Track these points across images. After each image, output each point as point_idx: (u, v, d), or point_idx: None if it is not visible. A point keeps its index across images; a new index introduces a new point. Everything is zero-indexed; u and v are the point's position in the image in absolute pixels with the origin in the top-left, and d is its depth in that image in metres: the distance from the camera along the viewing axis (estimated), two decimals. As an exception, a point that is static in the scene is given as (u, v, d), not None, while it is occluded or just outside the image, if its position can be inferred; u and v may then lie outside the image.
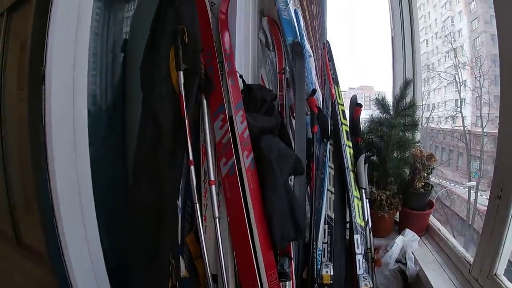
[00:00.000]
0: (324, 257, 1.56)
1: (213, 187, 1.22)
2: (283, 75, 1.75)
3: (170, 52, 1.18)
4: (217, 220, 1.21)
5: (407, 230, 1.72)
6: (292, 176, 1.49)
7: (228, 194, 1.25)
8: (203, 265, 1.23)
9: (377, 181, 1.82)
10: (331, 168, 1.68)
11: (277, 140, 1.39)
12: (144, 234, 1.17)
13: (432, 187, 1.82)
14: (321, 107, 1.76)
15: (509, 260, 1.20)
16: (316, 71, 2.05)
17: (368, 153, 1.72)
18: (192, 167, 1.19)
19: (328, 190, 1.64)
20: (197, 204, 1.20)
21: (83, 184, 1.02)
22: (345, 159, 1.63)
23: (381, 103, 1.92)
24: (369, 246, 1.56)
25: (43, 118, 0.92)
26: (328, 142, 1.70)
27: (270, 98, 1.48)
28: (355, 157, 1.65)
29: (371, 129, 1.91)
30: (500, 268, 1.19)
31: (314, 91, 1.70)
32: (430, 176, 1.83)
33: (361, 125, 1.86)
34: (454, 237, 1.70)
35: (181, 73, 1.16)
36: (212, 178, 1.23)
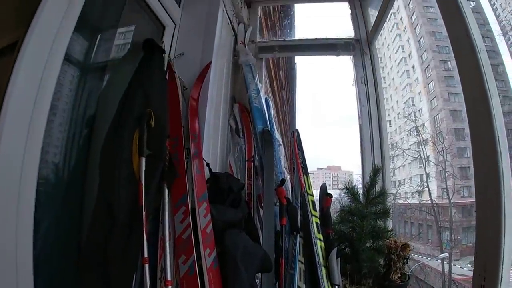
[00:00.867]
0: None
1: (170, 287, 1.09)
2: (252, 163, 1.71)
3: (134, 135, 1.11)
4: (174, 327, 1.06)
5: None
6: (260, 274, 1.38)
7: (187, 296, 1.11)
8: None
9: (350, 274, 1.71)
10: (301, 262, 1.57)
11: (243, 236, 1.31)
12: None
13: (409, 277, 1.72)
14: (290, 198, 1.70)
15: None
16: (285, 159, 2.04)
17: (341, 245, 1.64)
18: (147, 266, 1.05)
19: (298, 287, 1.51)
20: (151, 308, 1.05)
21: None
22: (316, 253, 1.54)
23: (351, 192, 1.89)
24: None
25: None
26: (298, 235, 1.61)
27: (237, 188, 1.43)
28: (327, 251, 1.56)
29: (342, 218, 1.85)
30: None
31: (283, 181, 1.66)
32: (405, 267, 1.75)
33: (331, 215, 1.80)
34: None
35: (143, 159, 1.08)
36: (169, 278, 1.10)
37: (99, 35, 1.28)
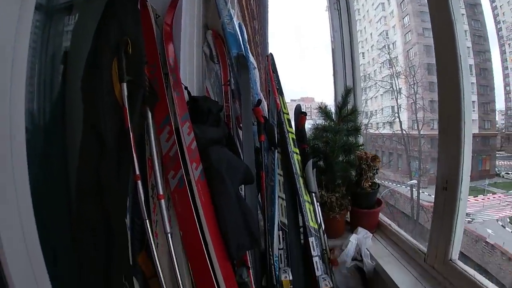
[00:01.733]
0: (281, 263, 1.57)
1: (163, 201, 1.18)
2: (228, 87, 1.76)
3: (113, 64, 1.13)
4: (169, 235, 1.16)
5: (360, 228, 1.79)
6: (243, 186, 1.49)
7: (179, 208, 1.21)
8: (158, 283, 1.17)
9: (325, 184, 1.87)
10: (280, 175, 1.70)
11: (226, 150, 1.39)
12: (93, 258, 1.09)
13: (379, 186, 1.92)
14: (267, 117, 1.79)
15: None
16: (261, 83, 2.09)
17: (315, 158, 1.78)
18: (139, 182, 1.14)
19: (279, 197, 1.66)
20: (147, 221, 1.15)
21: (24, 213, 0.91)
22: (293, 166, 1.67)
23: (324, 111, 2.00)
24: (324, 247, 1.60)
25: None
26: (276, 150, 1.73)
27: (216, 109, 1.48)
28: (303, 163, 1.69)
29: (316, 135, 1.98)
30: (454, 253, 1.27)
31: (259, 101, 1.73)
32: (375, 177, 1.93)
33: (306, 133, 1.92)
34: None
35: (125, 84, 1.12)
36: (161, 193, 1.19)
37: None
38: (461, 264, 1.24)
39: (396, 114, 17.36)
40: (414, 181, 15.27)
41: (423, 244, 1.52)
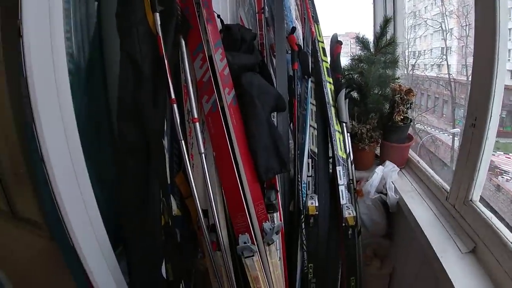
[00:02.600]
0: (309, 189, 1.64)
1: (197, 124, 1.25)
2: (262, 15, 1.73)
3: None
4: (203, 155, 1.25)
5: (387, 162, 1.80)
6: (275, 113, 1.53)
7: (212, 130, 1.28)
8: (194, 203, 1.28)
9: (357, 116, 1.86)
10: (313, 104, 1.71)
11: (258, 76, 1.41)
12: (133, 175, 1.21)
13: (411, 120, 1.86)
14: (301, 45, 1.76)
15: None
16: (296, 10, 2.03)
17: (348, 89, 1.76)
18: (175, 105, 1.21)
19: (310, 125, 1.68)
20: (182, 141, 1.24)
21: (71, 139, 0.99)
22: (326, 95, 1.65)
23: (361, 40, 1.93)
24: (351, 178, 1.62)
25: (24, 74, 0.85)
26: (309, 79, 1.73)
27: (250, 37, 1.48)
28: (336, 93, 1.68)
29: (352, 66, 1.94)
30: (475, 194, 1.26)
31: (293, 29, 1.70)
32: (410, 112, 1.88)
33: (341, 63, 1.88)
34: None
35: (157, 14, 1.16)
36: (196, 116, 1.26)
37: None
38: (480, 206, 1.23)
39: (445, 57, 16.28)
40: (457, 130, 14.64)
41: (449, 185, 1.52)
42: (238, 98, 1.35)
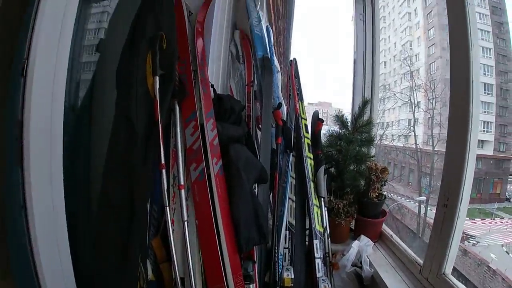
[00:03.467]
0: (285, 261, 1.64)
1: (183, 191, 1.26)
2: (251, 88, 1.83)
3: (147, 57, 1.21)
4: (185, 223, 1.24)
5: (362, 236, 1.85)
6: (256, 184, 1.56)
7: (197, 198, 1.29)
8: (169, 269, 1.26)
9: (334, 191, 1.94)
10: (293, 177, 1.78)
11: (245, 149, 1.47)
12: (114, 235, 1.17)
13: (385, 197, 1.97)
14: (286, 120, 1.86)
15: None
16: (282, 86, 2.16)
17: (327, 165, 1.84)
18: (164, 171, 1.22)
19: (289, 198, 1.73)
20: (167, 207, 1.23)
21: (55, 187, 0.97)
22: (306, 170, 1.73)
23: (340, 119, 2.06)
24: (327, 251, 1.65)
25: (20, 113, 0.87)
26: (291, 154, 1.81)
27: (239, 108, 1.55)
28: (315, 168, 1.76)
29: (331, 143, 2.05)
30: (448, 268, 1.34)
31: (280, 104, 1.80)
32: (383, 188, 1.98)
33: (321, 139, 1.98)
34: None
35: (157, 78, 1.20)
36: (182, 183, 1.27)
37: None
38: (452, 278, 1.30)
39: (412, 128, 17.20)
40: (423, 198, 15.13)
41: (421, 258, 1.58)
42: (224, 167, 1.38)
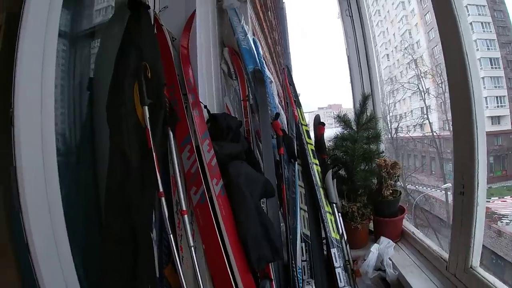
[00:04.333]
0: (304, 274, 1.58)
1: (186, 216, 1.23)
2: (247, 102, 1.81)
3: (134, 88, 1.21)
4: (192, 249, 1.21)
5: (382, 238, 1.77)
6: (265, 199, 1.52)
7: (201, 222, 1.27)
8: (184, 296, 1.22)
9: (347, 194, 1.88)
10: (301, 187, 1.73)
11: (245, 165, 1.43)
12: (120, 269, 1.15)
13: (400, 193, 1.89)
14: (286, 130, 1.82)
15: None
16: (279, 95, 2.13)
17: (335, 168, 1.79)
18: (163, 199, 1.20)
19: (301, 208, 1.68)
20: (171, 235, 1.21)
21: (57, 226, 0.99)
22: (313, 177, 1.69)
23: (342, 119, 2.01)
24: (347, 258, 1.59)
25: (13, 161, 0.89)
26: (296, 162, 1.76)
27: (236, 125, 1.53)
28: (323, 174, 1.71)
29: (336, 145, 1.99)
30: (475, 260, 1.26)
31: (277, 114, 1.77)
32: (405, 183, 1.92)
33: (326, 143, 1.93)
34: (438, 239, 1.75)
35: (146, 108, 1.19)
36: (184, 208, 1.24)
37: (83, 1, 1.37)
38: (481, 271, 1.22)
39: (425, 116, 16.94)
40: (449, 184, 14.77)
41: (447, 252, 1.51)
42: (225, 188, 1.35)
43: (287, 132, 1.80)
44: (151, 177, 1.19)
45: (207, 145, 1.35)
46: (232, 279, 1.22)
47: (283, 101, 2.17)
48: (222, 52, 1.90)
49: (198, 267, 1.21)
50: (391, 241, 1.76)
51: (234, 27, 1.81)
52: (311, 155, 1.74)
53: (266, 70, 1.93)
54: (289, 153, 1.74)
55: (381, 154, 1.99)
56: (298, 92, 1.99)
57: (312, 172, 1.70)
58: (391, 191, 1.84)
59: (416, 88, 17.70)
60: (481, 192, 1.21)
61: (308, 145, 1.76)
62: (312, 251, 1.62)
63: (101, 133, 1.34)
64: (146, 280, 1.19)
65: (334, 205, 1.67)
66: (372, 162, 1.93)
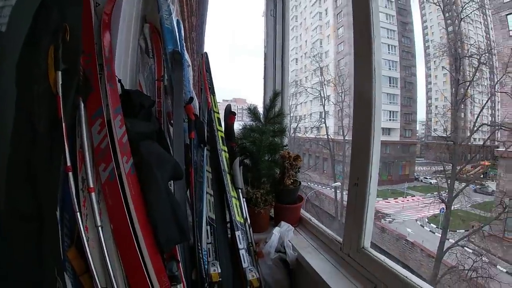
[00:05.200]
0: (210, 256, 1.63)
1: (93, 194, 1.17)
2: (162, 83, 1.78)
3: (49, 50, 1.11)
4: (99, 228, 1.16)
5: (283, 223, 1.91)
6: (172, 181, 1.52)
7: (110, 201, 1.21)
8: (90, 280, 1.16)
9: (251, 181, 1.99)
10: (209, 172, 1.77)
11: (156, 145, 1.41)
12: (23, 251, 1.04)
13: (300, 183, 2.07)
14: (198, 115, 1.85)
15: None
16: (194, 81, 2.13)
17: (242, 156, 1.88)
18: (71, 174, 1.13)
19: (207, 192, 1.73)
20: (78, 213, 1.15)
21: None
22: (221, 163, 1.75)
23: (253, 112, 2.11)
24: (250, 241, 1.69)
25: None
26: (205, 148, 1.80)
27: (148, 104, 1.49)
28: (231, 161, 1.78)
29: (244, 135, 2.08)
30: (366, 242, 1.45)
31: (191, 99, 1.77)
32: (298, 175, 2.08)
33: (235, 132, 2.01)
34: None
35: (60, 73, 1.11)
36: (91, 185, 1.18)
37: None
38: (372, 251, 1.42)
39: (323, 120, 18.36)
40: (338, 184, 16.27)
41: (341, 237, 1.69)
42: (136, 166, 1.31)
43: (199, 117, 1.82)
44: (59, 149, 1.11)
45: (119, 121, 1.28)
46: (142, 261, 1.20)
47: (197, 87, 2.18)
48: (143, 28, 1.83)
49: (106, 248, 1.16)
50: (290, 225, 1.91)
51: (160, 4, 1.75)
52: (221, 142, 1.79)
53: (186, 53, 1.92)
54: (200, 137, 1.77)
55: (284, 147, 2.15)
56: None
57: (220, 158, 1.76)
58: (292, 181, 2.01)
59: (317, 94, 19.08)
60: (373, 184, 1.41)
61: (219, 132, 1.81)
62: (217, 234, 1.67)
63: (4, 97, 1.20)
64: (53, 261, 1.11)
65: (240, 190, 1.75)
66: (276, 153, 2.07)
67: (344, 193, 15.72)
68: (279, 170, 2.06)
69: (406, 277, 1.21)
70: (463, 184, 11.53)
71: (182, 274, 1.43)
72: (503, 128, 10.90)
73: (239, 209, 1.71)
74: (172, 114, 1.71)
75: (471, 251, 10.26)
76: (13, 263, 1.02)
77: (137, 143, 1.34)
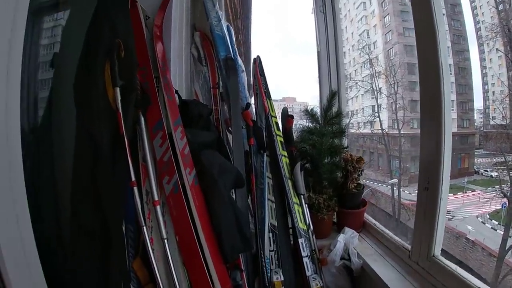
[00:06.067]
0: (272, 264, 1.60)
1: (158, 207, 1.18)
2: (217, 90, 1.78)
3: (105, 67, 1.12)
4: (165, 241, 1.17)
5: (346, 228, 1.84)
6: (233, 189, 1.50)
7: (174, 212, 1.21)
8: (155, 289, 1.17)
9: (313, 186, 1.92)
10: (269, 178, 1.74)
11: (217, 155, 1.41)
12: (91, 263, 1.07)
13: (363, 187, 1.97)
14: (255, 120, 1.82)
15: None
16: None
17: (303, 161, 1.82)
18: (135, 188, 1.14)
19: (268, 199, 1.69)
20: (144, 227, 1.15)
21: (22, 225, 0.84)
22: (282, 168, 1.70)
23: (310, 113, 2.04)
24: (313, 248, 1.63)
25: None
26: (265, 153, 1.77)
27: (207, 113, 1.49)
28: (291, 166, 1.73)
29: (303, 138, 2.02)
30: (437, 250, 1.34)
31: (248, 104, 1.75)
32: (360, 178, 1.99)
33: (293, 135, 1.96)
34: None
35: (118, 89, 1.11)
36: (156, 198, 1.19)
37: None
38: (443, 259, 1.31)
39: (376, 114, 17.69)
40: (395, 180, 15.58)
41: (405, 242, 1.60)
42: (198, 176, 1.31)
43: (256, 122, 1.79)
44: (122, 165, 1.11)
45: (180, 133, 1.29)
46: (207, 271, 1.19)
47: (252, 91, 2.15)
48: (193, 36, 1.83)
49: (171, 259, 1.16)
50: (354, 231, 1.83)
51: (208, 11, 1.75)
52: (280, 146, 1.75)
53: (239, 58, 1.91)
54: (259, 143, 1.74)
55: (345, 149, 2.05)
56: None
57: (280, 163, 1.71)
58: (355, 184, 1.92)
59: (369, 87, 18.41)
60: (445, 188, 1.30)
61: (277, 136, 1.77)
62: (279, 241, 1.64)
63: (61, 113, 1.23)
64: (119, 275, 1.13)
65: (302, 196, 1.70)
66: (337, 155, 1.98)
67: (401, 189, 15.03)
68: (341, 173, 1.97)
69: (480, 288, 1.09)
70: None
71: (246, 283, 1.41)
72: None
73: (301, 216, 1.66)
74: (230, 121, 1.70)
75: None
76: (83, 282, 1.06)
77: (198, 153, 1.33)
